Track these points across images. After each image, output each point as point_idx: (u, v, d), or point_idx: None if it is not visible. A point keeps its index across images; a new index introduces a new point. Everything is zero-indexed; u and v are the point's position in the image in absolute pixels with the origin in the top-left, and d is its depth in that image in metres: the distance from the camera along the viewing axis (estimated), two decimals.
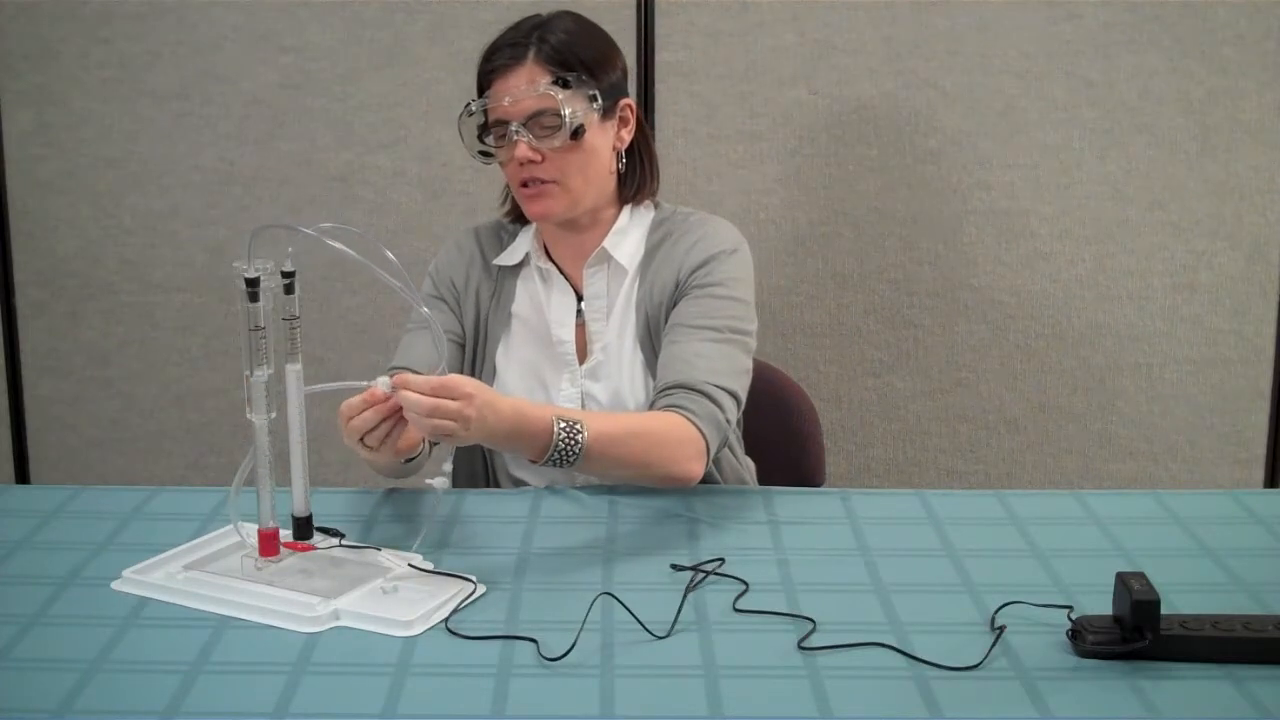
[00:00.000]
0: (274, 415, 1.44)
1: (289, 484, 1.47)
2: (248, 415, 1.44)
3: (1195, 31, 2.48)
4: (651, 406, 1.73)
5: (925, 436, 2.64)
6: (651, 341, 1.82)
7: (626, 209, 1.86)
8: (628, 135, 1.83)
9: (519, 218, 1.90)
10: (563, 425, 1.58)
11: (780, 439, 2.07)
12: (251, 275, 1.40)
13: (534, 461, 1.60)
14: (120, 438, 2.69)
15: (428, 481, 1.61)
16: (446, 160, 2.55)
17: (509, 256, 1.88)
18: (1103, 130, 2.52)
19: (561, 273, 1.87)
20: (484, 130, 1.79)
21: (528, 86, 1.73)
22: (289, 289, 1.44)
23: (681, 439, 1.67)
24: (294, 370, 1.46)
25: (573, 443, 1.58)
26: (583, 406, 1.82)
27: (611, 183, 1.84)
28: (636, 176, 1.86)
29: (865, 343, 2.60)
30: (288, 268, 1.43)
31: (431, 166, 2.56)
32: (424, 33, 2.52)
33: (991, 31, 2.49)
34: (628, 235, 1.85)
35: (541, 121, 1.74)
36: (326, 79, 2.55)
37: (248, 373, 1.43)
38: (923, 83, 2.51)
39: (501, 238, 1.92)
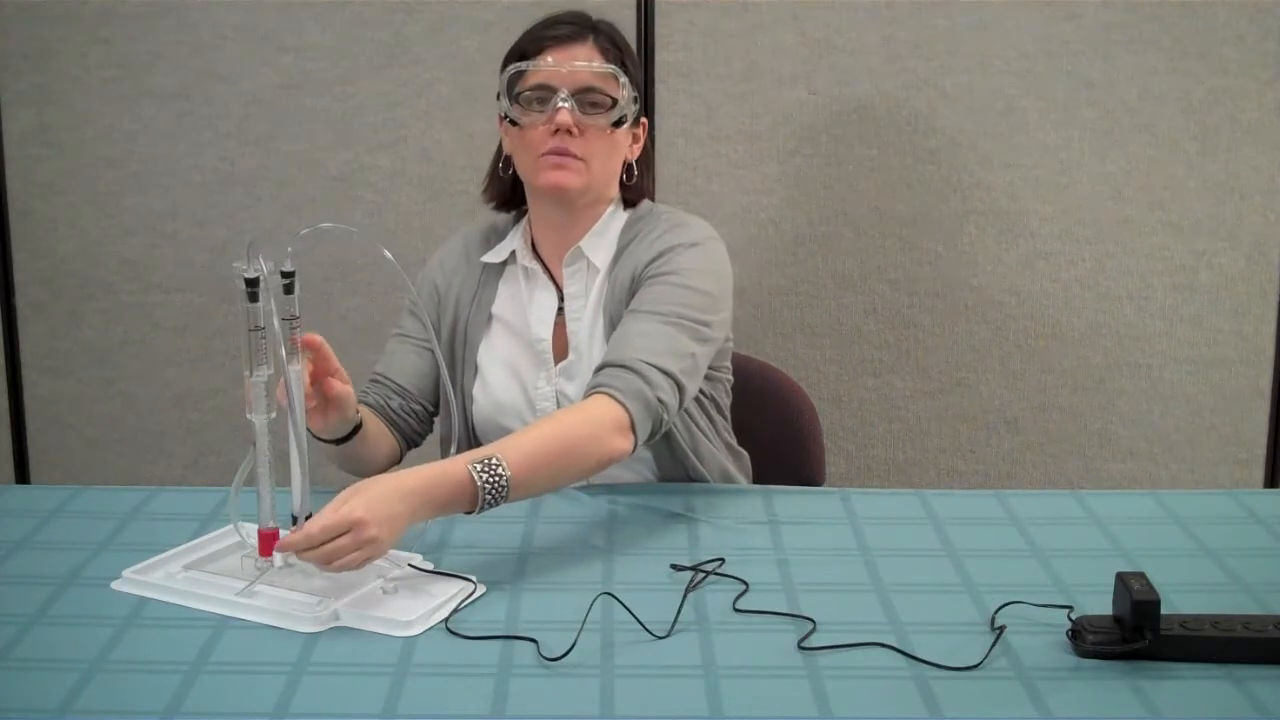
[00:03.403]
0: (274, 415, 1.44)
1: (289, 484, 1.47)
2: (248, 415, 1.44)
3: (1195, 31, 2.47)
4: (586, 392, 1.69)
5: (925, 436, 2.64)
6: None
7: (608, 212, 1.87)
8: (637, 149, 1.87)
9: (503, 204, 1.93)
10: (479, 468, 1.48)
11: (780, 439, 2.07)
12: (251, 275, 1.40)
13: (469, 513, 1.51)
14: (120, 438, 2.69)
15: None
16: (446, 160, 2.55)
17: (495, 255, 1.89)
18: (1103, 130, 2.52)
19: (547, 271, 1.87)
20: (513, 94, 1.80)
21: (589, 61, 1.77)
22: (289, 289, 1.44)
23: (599, 420, 1.61)
24: (294, 370, 1.46)
25: (498, 480, 1.49)
26: (558, 405, 1.83)
27: (614, 187, 1.86)
28: (634, 189, 1.89)
29: (865, 343, 2.60)
30: (288, 268, 1.43)
31: (431, 166, 2.57)
32: (424, 33, 2.52)
33: (991, 31, 2.49)
34: (604, 236, 1.86)
35: (590, 98, 1.77)
36: (326, 79, 2.55)
37: (248, 373, 1.43)
38: (923, 83, 2.51)
39: (490, 239, 1.93)
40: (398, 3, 2.51)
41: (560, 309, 1.86)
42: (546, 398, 1.83)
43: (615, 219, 1.87)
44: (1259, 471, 2.64)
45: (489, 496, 1.49)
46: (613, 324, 1.80)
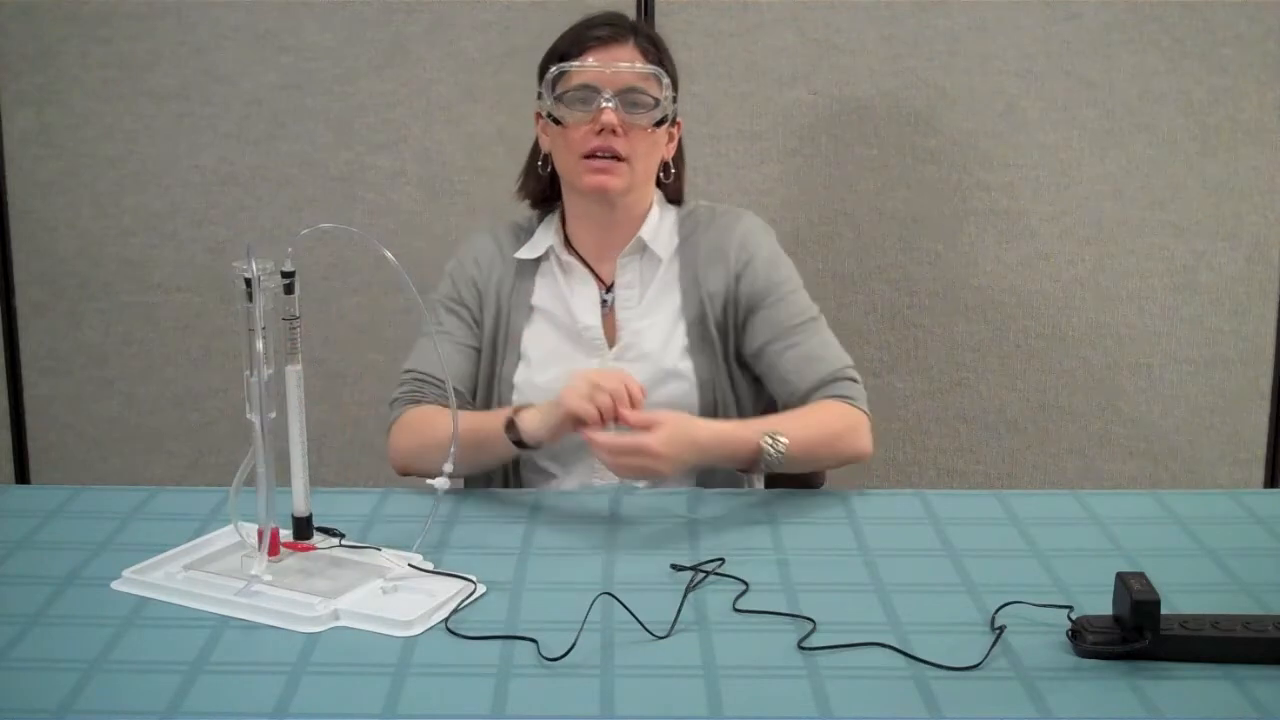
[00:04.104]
0: (274, 415, 1.44)
1: (289, 484, 1.47)
2: (248, 415, 1.44)
3: (1195, 31, 2.48)
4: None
5: (925, 436, 2.64)
6: (705, 326, 1.86)
7: (656, 206, 1.92)
8: (672, 148, 1.91)
9: (539, 202, 1.95)
10: (769, 439, 1.70)
11: None
12: (252, 275, 1.40)
13: (741, 471, 1.79)
14: (120, 438, 2.69)
15: (428, 481, 1.61)
16: (446, 160, 2.55)
17: (529, 250, 1.91)
18: (1103, 130, 2.52)
19: (584, 264, 1.89)
20: (555, 94, 1.83)
21: (631, 62, 1.80)
22: (289, 289, 1.44)
23: (854, 424, 1.80)
24: (294, 370, 1.46)
25: (779, 453, 1.70)
26: None
27: (652, 184, 1.91)
28: (673, 187, 1.94)
29: (865, 343, 2.60)
30: (288, 268, 1.43)
31: (431, 166, 2.57)
32: (424, 33, 2.52)
33: (991, 31, 2.49)
34: (660, 229, 1.91)
35: (633, 99, 1.81)
36: (326, 79, 2.54)
37: (248, 373, 1.43)
38: (923, 83, 2.51)
39: (519, 236, 1.94)
40: (398, 3, 2.51)
41: (603, 299, 1.89)
42: None
43: (667, 213, 1.93)
44: (1259, 471, 2.64)
45: (767, 461, 1.71)
46: (703, 306, 1.86)
